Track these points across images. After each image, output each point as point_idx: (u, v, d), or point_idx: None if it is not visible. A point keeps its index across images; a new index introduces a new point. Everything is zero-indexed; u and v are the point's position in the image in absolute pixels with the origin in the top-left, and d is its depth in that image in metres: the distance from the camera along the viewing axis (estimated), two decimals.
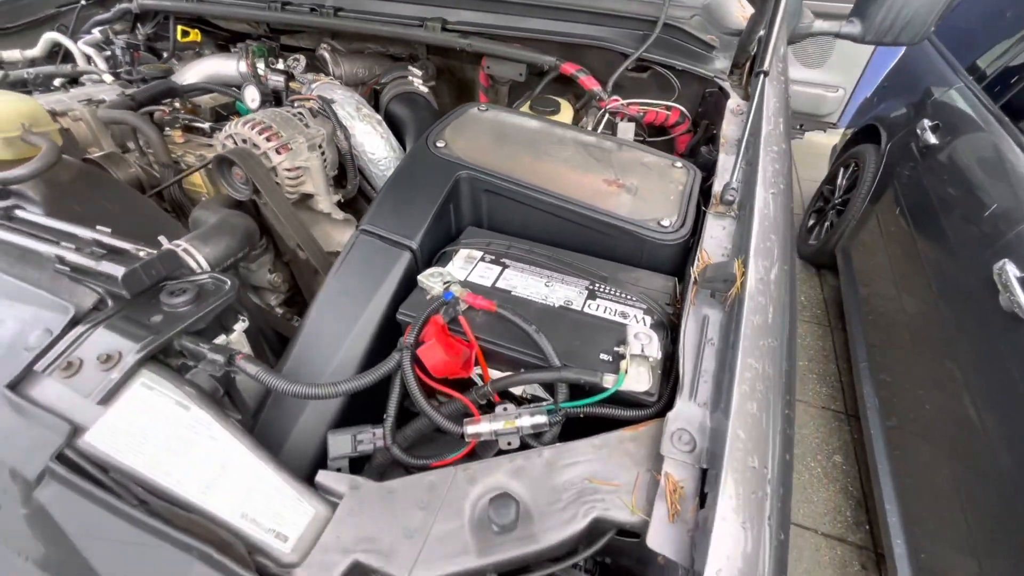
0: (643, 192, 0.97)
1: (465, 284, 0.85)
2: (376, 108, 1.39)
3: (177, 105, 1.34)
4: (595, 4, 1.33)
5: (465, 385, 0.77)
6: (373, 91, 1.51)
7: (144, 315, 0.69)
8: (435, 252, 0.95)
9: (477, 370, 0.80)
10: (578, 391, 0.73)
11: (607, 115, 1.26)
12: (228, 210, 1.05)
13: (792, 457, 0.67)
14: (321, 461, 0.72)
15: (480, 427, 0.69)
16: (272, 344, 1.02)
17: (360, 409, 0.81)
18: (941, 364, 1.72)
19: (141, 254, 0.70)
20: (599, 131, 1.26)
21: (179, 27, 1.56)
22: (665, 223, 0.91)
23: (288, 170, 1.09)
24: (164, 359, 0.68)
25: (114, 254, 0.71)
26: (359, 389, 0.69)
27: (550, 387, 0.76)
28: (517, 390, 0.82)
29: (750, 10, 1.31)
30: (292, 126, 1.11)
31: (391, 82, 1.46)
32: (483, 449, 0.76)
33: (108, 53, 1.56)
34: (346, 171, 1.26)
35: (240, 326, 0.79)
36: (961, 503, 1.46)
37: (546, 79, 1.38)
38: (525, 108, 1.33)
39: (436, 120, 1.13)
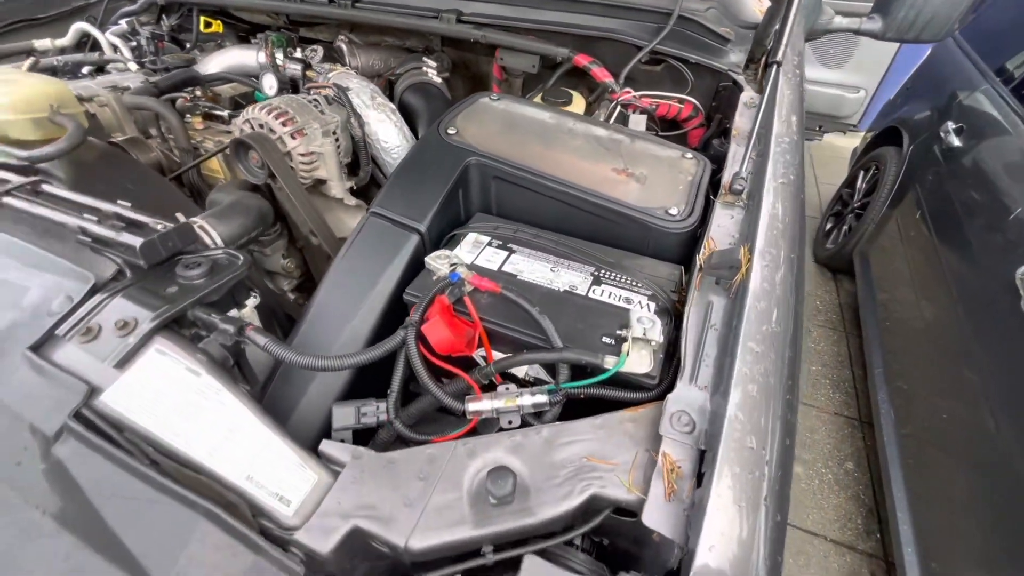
0: (651, 181, 0.97)
1: (472, 267, 0.87)
2: (391, 98, 1.41)
3: (198, 93, 1.38)
4: None
5: (469, 366, 0.79)
6: (388, 82, 1.53)
7: (160, 286, 0.71)
8: (443, 236, 0.97)
9: (481, 351, 0.81)
10: (580, 373, 0.73)
11: (619, 107, 1.26)
12: (243, 192, 1.08)
13: (793, 443, 0.67)
14: (326, 433, 0.73)
15: (481, 404, 0.70)
16: (283, 325, 1.05)
17: (366, 386, 0.83)
18: (959, 372, 1.69)
19: (159, 227, 0.73)
20: (611, 123, 1.26)
21: (202, 18, 1.60)
22: (673, 211, 0.91)
23: (302, 155, 1.11)
24: (178, 328, 0.71)
25: (134, 227, 0.74)
26: (364, 363, 0.70)
27: (553, 371, 0.77)
28: (520, 373, 0.83)
29: (767, 3, 1.30)
30: (307, 112, 1.14)
31: (406, 73, 1.48)
32: (485, 428, 0.77)
33: (134, 43, 1.61)
34: (359, 159, 1.28)
35: (252, 302, 0.82)
36: (975, 514, 1.43)
37: (559, 71, 1.39)
38: (537, 99, 1.34)
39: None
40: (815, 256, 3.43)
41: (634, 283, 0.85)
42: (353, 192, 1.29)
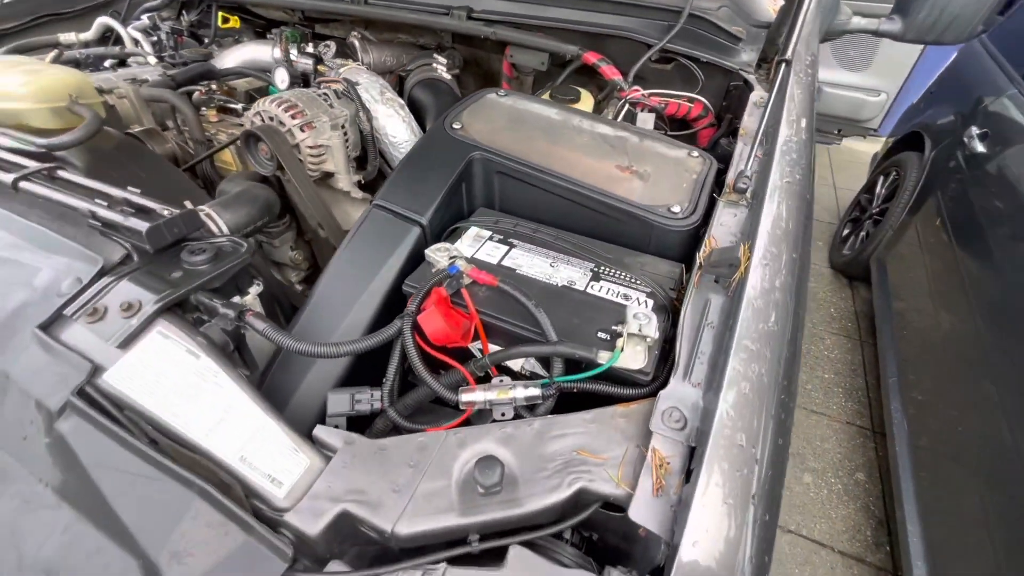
0: (655, 179, 0.97)
1: (471, 260, 0.87)
2: (401, 94, 1.43)
3: (214, 87, 1.41)
4: None
5: (467, 358, 0.79)
6: (399, 78, 1.55)
7: (165, 271, 0.73)
8: (445, 229, 0.97)
9: (478, 344, 0.81)
10: (575, 367, 0.73)
11: (627, 105, 1.26)
12: (251, 182, 1.10)
13: (787, 444, 0.66)
14: (322, 419, 0.75)
15: (475, 395, 0.70)
16: (288, 315, 1.06)
17: (365, 374, 0.84)
18: (976, 383, 1.64)
19: (165, 213, 0.74)
20: (618, 121, 1.26)
21: (220, 14, 1.64)
22: (675, 209, 0.91)
23: (311, 147, 1.13)
24: (182, 312, 0.72)
25: (142, 212, 0.76)
26: (359, 351, 0.71)
27: (548, 365, 0.77)
28: (516, 366, 0.83)
29: (781, 2, 1.28)
30: (317, 105, 1.16)
31: (416, 69, 1.49)
32: (479, 419, 0.77)
33: (155, 38, 1.65)
34: (367, 153, 1.30)
35: (255, 290, 0.83)
36: (989, 531, 1.39)
37: (569, 69, 1.39)
38: (545, 96, 1.34)
39: None
40: (831, 262, 3.38)
41: (633, 280, 0.84)
42: (361, 186, 1.31)
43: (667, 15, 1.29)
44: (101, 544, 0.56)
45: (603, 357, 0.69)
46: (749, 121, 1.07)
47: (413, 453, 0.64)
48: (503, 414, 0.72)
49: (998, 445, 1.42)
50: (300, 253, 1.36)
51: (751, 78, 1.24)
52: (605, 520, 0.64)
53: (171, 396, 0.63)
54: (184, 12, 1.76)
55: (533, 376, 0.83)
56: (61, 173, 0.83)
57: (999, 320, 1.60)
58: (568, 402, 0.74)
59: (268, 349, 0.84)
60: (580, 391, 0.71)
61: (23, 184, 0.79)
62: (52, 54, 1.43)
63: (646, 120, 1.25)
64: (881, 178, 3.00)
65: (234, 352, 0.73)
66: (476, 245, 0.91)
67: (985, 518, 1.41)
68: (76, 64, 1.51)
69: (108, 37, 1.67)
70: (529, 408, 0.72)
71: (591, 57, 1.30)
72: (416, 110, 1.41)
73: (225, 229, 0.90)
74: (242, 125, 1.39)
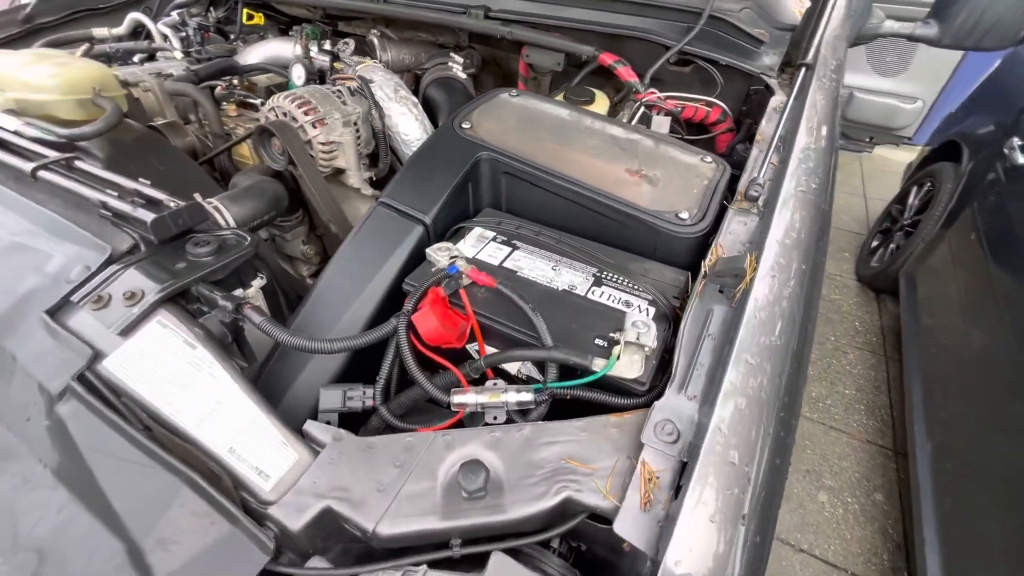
0: (665, 184, 0.95)
1: (473, 261, 0.86)
2: (416, 92, 1.43)
3: (235, 82, 1.44)
4: None
5: (463, 359, 0.78)
6: (415, 76, 1.55)
7: (170, 261, 0.74)
8: (449, 229, 0.97)
9: (474, 345, 0.81)
10: (570, 373, 0.72)
11: (642, 108, 1.23)
12: (262, 176, 1.12)
13: (786, 463, 0.63)
14: (316, 416, 0.75)
15: (466, 397, 0.70)
16: (293, 306, 1.07)
17: (361, 371, 0.84)
18: (1007, 406, 1.56)
19: (172, 204, 0.76)
20: (632, 124, 1.24)
21: (245, 11, 1.68)
22: (683, 216, 0.88)
23: (323, 144, 1.14)
24: (184, 303, 0.74)
25: (151, 204, 0.78)
26: (354, 348, 0.71)
27: (544, 370, 0.76)
28: (513, 370, 0.82)
29: (808, 4, 1.24)
30: (330, 102, 1.17)
31: (432, 67, 1.49)
32: (471, 422, 0.77)
33: (183, 34, 1.70)
34: (379, 150, 1.30)
35: (258, 283, 0.84)
36: (1015, 561, 1.32)
37: (585, 70, 1.37)
38: (559, 97, 1.32)
39: None
40: (858, 274, 3.27)
41: (635, 286, 0.82)
42: (372, 183, 1.32)
43: (686, 16, 1.26)
44: (92, 527, 0.57)
45: (598, 364, 0.67)
46: (766, 127, 1.04)
47: (400, 453, 0.63)
48: (495, 417, 0.71)
49: None
50: (312, 247, 1.38)
51: (772, 82, 1.20)
52: (592, 531, 0.63)
53: (166, 385, 0.64)
54: (212, 8, 1.81)
55: (529, 380, 0.82)
56: (78, 163, 0.86)
57: None
58: (563, 408, 0.73)
59: (268, 342, 0.85)
60: (574, 398, 0.70)
61: (42, 173, 0.82)
62: (83, 48, 1.48)
63: (661, 124, 1.23)
64: (914, 188, 2.89)
65: (232, 344, 0.74)
66: (479, 246, 0.91)
67: (1010, 548, 1.34)
68: (106, 58, 1.56)
69: (139, 32, 1.73)
70: (522, 413, 0.71)
71: (607, 58, 1.28)
72: (430, 108, 1.42)
73: (232, 222, 0.91)
74: (259, 120, 1.42)
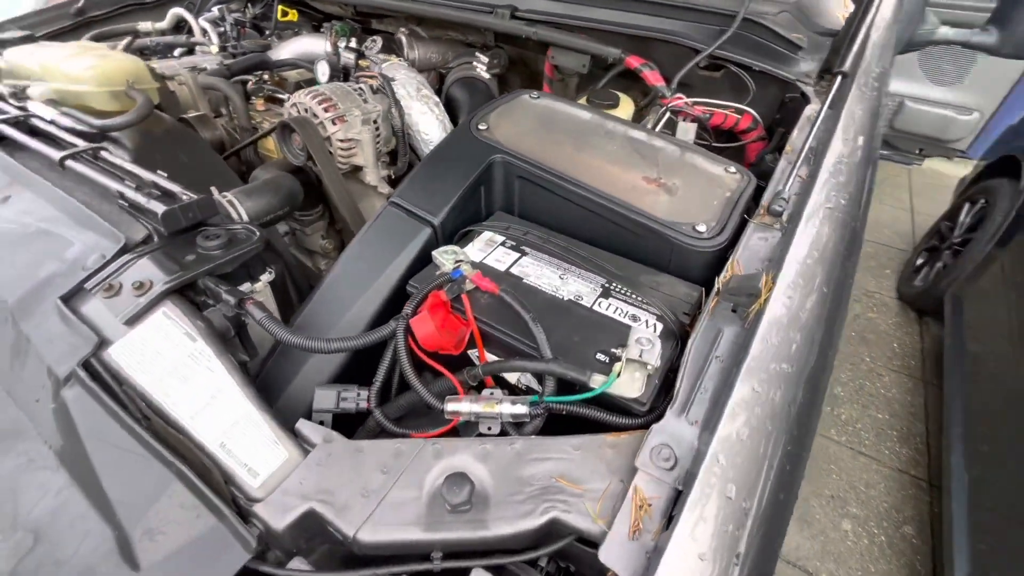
0: (684, 193, 0.91)
1: (479, 265, 0.85)
2: (440, 91, 1.43)
3: (265, 77, 1.47)
4: None
5: (464, 365, 0.77)
6: (440, 76, 1.55)
7: (181, 253, 0.76)
8: (459, 231, 0.96)
9: (475, 352, 0.79)
10: (569, 388, 0.70)
11: (667, 114, 1.19)
12: (280, 171, 1.13)
13: (790, 499, 0.59)
14: (311, 415, 0.75)
15: (460, 406, 0.68)
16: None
17: (361, 372, 0.84)
18: None
19: (184, 197, 0.77)
20: (657, 129, 1.20)
21: (280, 7, 1.71)
22: (700, 228, 0.84)
23: (341, 141, 1.15)
24: (192, 295, 0.75)
25: (166, 196, 0.80)
26: (352, 349, 0.71)
27: (544, 383, 0.73)
28: (513, 379, 0.80)
29: (852, 7, 1.17)
30: (351, 100, 1.17)
31: (456, 67, 1.49)
32: (465, 431, 0.75)
33: (222, 29, 1.75)
34: (398, 148, 1.31)
35: (266, 277, 0.85)
36: None
37: (611, 72, 1.34)
38: (582, 101, 1.29)
39: None
40: (899, 293, 3.10)
41: (644, 300, 0.79)
42: (391, 181, 1.32)
43: (719, 19, 1.21)
44: (85, 512, 0.58)
45: (596, 381, 0.65)
46: (797, 137, 0.98)
47: (388, 459, 0.63)
48: (489, 428, 0.69)
49: None
50: (331, 242, 1.40)
51: (809, 90, 1.14)
52: (579, 554, 0.60)
53: (165, 376, 0.65)
54: (249, 5, 1.86)
55: (529, 391, 0.80)
56: (104, 154, 0.89)
57: None
58: (561, 423, 0.70)
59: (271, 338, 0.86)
60: (571, 414, 0.67)
61: (69, 162, 0.85)
62: (125, 41, 1.55)
63: (687, 130, 1.18)
64: (967, 205, 2.72)
65: (235, 338, 0.75)
66: (487, 250, 0.89)
67: None
68: (148, 51, 1.62)
69: (182, 27, 1.79)
70: (516, 425, 0.69)
71: (634, 61, 1.24)
72: (452, 108, 1.41)
73: (245, 216, 0.93)
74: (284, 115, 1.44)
